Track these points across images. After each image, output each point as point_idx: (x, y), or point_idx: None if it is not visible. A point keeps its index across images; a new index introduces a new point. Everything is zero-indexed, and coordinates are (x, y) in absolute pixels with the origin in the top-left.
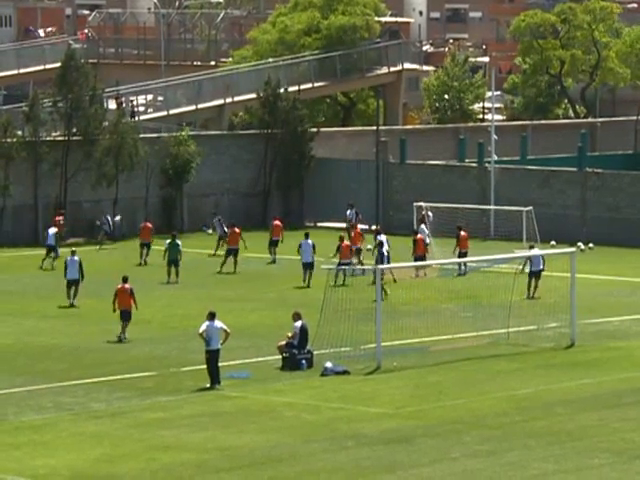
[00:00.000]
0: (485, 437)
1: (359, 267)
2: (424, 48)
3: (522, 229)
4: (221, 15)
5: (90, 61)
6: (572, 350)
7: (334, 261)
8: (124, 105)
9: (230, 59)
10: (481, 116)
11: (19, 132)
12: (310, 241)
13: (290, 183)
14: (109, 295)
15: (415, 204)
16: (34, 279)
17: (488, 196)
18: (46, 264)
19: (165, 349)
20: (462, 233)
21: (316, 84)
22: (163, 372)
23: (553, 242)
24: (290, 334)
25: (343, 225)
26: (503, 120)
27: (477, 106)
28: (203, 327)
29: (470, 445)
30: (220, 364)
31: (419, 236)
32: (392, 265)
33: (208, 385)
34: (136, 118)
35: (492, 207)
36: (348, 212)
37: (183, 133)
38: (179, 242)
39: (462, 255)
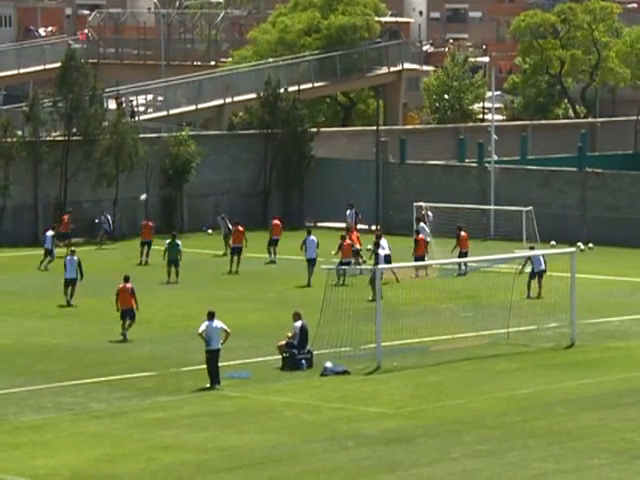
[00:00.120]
0: (485, 437)
1: (359, 267)
2: (424, 48)
3: (522, 229)
4: (221, 15)
5: (90, 61)
6: (572, 350)
7: (334, 261)
8: (124, 105)
9: (230, 59)
10: (481, 116)
11: (19, 132)
12: (313, 237)
13: (290, 183)
14: (109, 295)
15: (415, 204)
16: (34, 279)
17: (488, 196)
18: (42, 266)
19: (165, 349)
20: (462, 233)
21: (316, 84)
22: (163, 372)
23: (553, 242)
24: (290, 334)
25: (343, 225)
26: (503, 120)
27: (477, 106)
28: (202, 327)
29: (470, 445)
30: (220, 364)
31: (420, 236)
32: (392, 265)
33: (208, 385)
34: (136, 118)
35: (492, 207)
36: (348, 212)
37: (183, 133)
38: (179, 242)
39: (463, 255)
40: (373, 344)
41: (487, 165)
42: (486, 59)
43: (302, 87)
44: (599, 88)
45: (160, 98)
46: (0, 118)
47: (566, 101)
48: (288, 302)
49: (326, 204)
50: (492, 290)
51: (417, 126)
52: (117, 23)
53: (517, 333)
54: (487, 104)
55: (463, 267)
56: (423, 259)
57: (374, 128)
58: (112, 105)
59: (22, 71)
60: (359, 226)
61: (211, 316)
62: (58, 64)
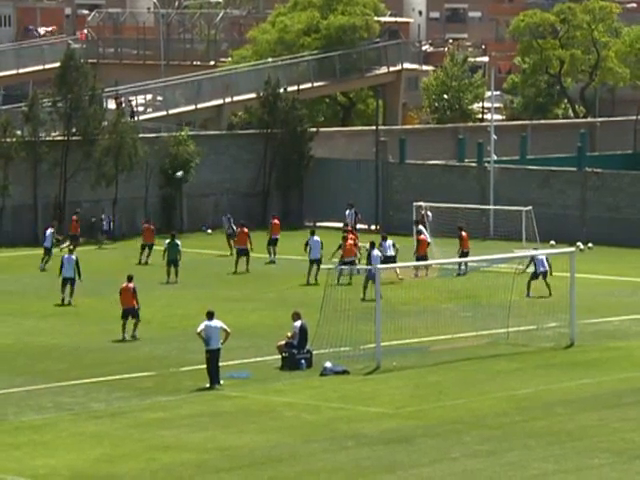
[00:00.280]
0: (485, 437)
1: (358, 267)
2: (423, 48)
3: (522, 229)
4: (220, 15)
5: (89, 61)
6: (572, 350)
7: (334, 261)
8: (123, 105)
9: (229, 59)
10: (480, 116)
11: (18, 132)
12: (317, 238)
13: (289, 183)
14: (109, 295)
15: (415, 204)
16: (34, 279)
17: (488, 196)
18: (41, 266)
19: (165, 349)
20: (463, 233)
21: (315, 84)
22: (163, 372)
23: (553, 242)
24: (289, 334)
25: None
26: (502, 120)
27: (476, 106)
28: (201, 326)
29: (470, 445)
30: (220, 364)
31: (422, 236)
32: (391, 265)
33: (207, 385)
34: (135, 118)
35: (492, 207)
36: (347, 212)
37: (182, 133)
38: (178, 242)
39: (464, 255)
40: (373, 344)
41: (487, 165)
42: (485, 59)
43: (301, 87)
44: (598, 88)
45: (159, 98)
46: None
47: (565, 101)
48: (288, 302)
49: (325, 204)
50: (492, 290)
51: (416, 126)
52: (116, 23)
53: (517, 333)
54: (486, 104)
55: (463, 267)
56: (425, 259)
57: (373, 128)
58: (111, 105)
59: (21, 71)
60: (359, 226)
61: (210, 316)
62: (57, 64)
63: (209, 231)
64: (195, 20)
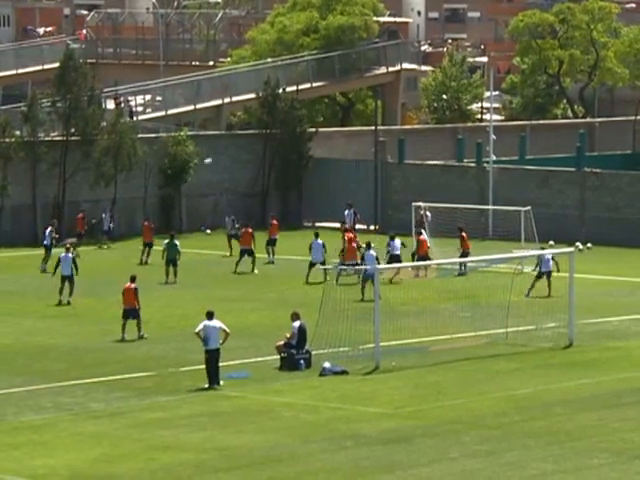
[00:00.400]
0: (484, 437)
1: (357, 267)
2: (422, 48)
3: (520, 229)
4: (219, 15)
5: (89, 61)
6: (571, 350)
7: (334, 261)
8: (122, 105)
9: (229, 59)
10: (479, 116)
11: (17, 132)
12: (320, 241)
13: (289, 183)
14: (107, 295)
15: (414, 204)
16: (33, 279)
17: (486, 196)
18: (42, 267)
19: (163, 349)
20: (463, 234)
21: (315, 84)
22: (162, 372)
23: (552, 242)
24: (288, 334)
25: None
26: (501, 120)
27: (475, 106)
28: (200, 326)
29: (469, 445)
30: (219, 364)
31: (422, 237)
32: (390, 265)
33: (206, 386)
34: (134, 118)
35: (490, 207)
36: (346, 212)
37: (182, 133)
38: (177, 242)
39: (464, 255)
40: (372, 344)
41: (485, 165)
42: (484, 59)
43: (301, 87)
44: (597, 88)
45: (158, 98)
46: None
47: (564, 101)
48: (288, 302)
49: (324, 204)
50: (490, 290)
51: (415, 126)
52: (115, 23)
53: (516, 333)
54: (485, 104)
55: (463, 267)
56: (425, 259)
57: (372, 128)
58: (110, 105)
59: (20, 71)
60: (358, 226)
61: (210, 315)
62: (56, 64)
63: (208, 231)
64: (194, 20)
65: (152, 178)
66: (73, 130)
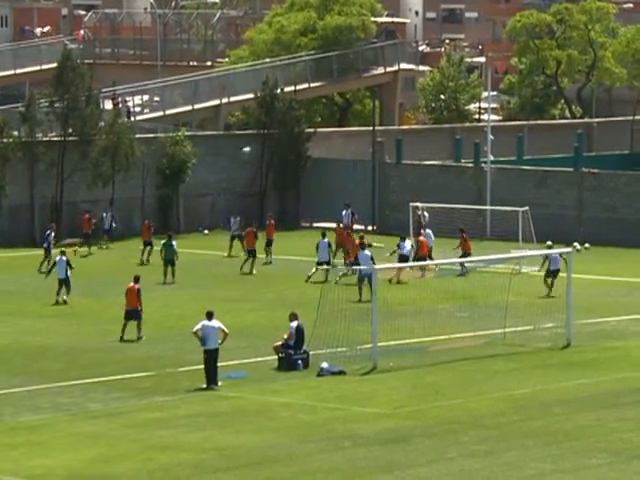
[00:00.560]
0: (482, 437)
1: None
2: (420, 48)
3: (518, 229)
4: (217, 15)
5: (86, 61)
6: (569, 350)
7: (334, 261)
8: (120, 105)
9: (226, 59)
10: (477, 116)
11: (15, 132)
12: (326, 240)
13: (286, 183)
14: (106, 295)
15: (411, 204)
16: (32, 279)
17: (484, 196)
18: (41, 268)
19: (161, 349)
20: (464, 235)
21: (312, 84)
22: (160, 372)
23: (549, 242)
24: (286, 335)
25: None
26: (499, 120)
27: (473, 106)
28: (198, 326)
29: (467, 445)
30: (218, 364)
31: (421, 238)
32: (390, 265)
33: (204, 386)
34: (132, 118)
35: (488, 207)
36: (344, 212)
37: (179, 133)
38: (174, 242)
39: (466, 256)
40: (369, 344)
41: (483, 165)
42: (482, 59)
43: (298, 87)
44: (595, 88)
45: (156, 98)
46: None
47: (562, 101)
48: (286, 302)
49: (322, 204)
50: (488, 290)
51: (413, 126)
52: (113, 23)
53: (514, 333)
54: (483, 104)
55: (463, 268)
56: (425, 259)
57: (370, 128)
58: (108, 105)
59: (18, 71)
60: (355, 226)
61: (209, 316)
62: (54, 64)
63: (206, 231)
64: (192, 20)
65: (150, 178)
66: (71, 130)
